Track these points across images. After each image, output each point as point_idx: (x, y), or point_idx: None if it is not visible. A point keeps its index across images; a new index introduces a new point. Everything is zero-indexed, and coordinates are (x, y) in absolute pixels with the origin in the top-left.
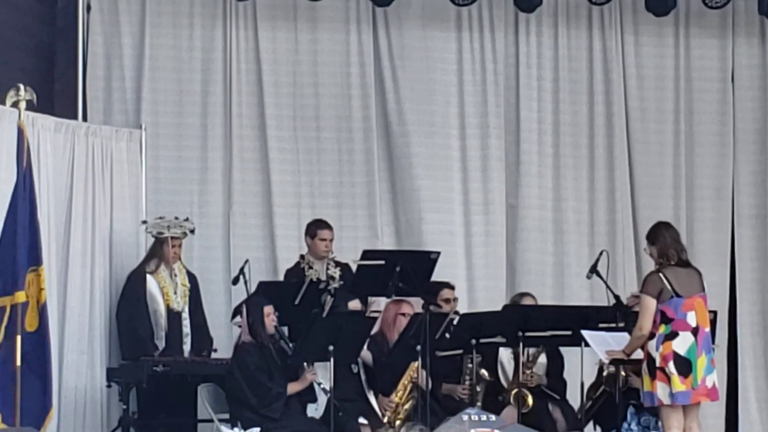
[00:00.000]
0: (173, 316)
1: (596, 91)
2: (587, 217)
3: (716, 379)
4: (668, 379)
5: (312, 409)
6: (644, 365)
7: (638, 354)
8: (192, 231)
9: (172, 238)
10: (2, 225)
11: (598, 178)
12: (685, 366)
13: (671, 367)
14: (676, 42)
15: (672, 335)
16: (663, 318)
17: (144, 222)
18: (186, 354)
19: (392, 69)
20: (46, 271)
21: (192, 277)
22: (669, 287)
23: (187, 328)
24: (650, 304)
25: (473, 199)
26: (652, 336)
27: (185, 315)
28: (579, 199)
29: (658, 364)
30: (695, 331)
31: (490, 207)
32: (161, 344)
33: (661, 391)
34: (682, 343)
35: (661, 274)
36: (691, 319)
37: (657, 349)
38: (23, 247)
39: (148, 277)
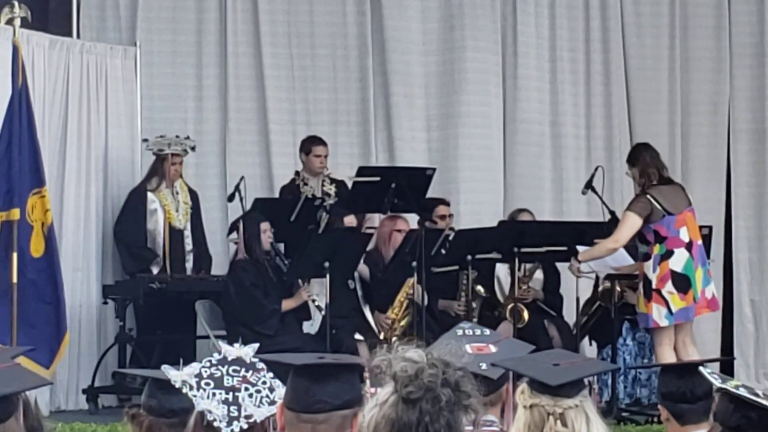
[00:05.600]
0: (175, 233)
1: (592, 6)
2: (584, 132)
3: (715, 289)
4: (665, 300)
5: (308, 325)
6: (640, 286)
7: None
8: (193, 149)
9: (172, 155)
10: None
11: (594, 94)
12: (683, 282)
13: (669, 286)
14: None
15: (668, 254)
16: (657, 237)
17: (145, 140)
18: (188, 272)
19: None
20: None
21: (194, 195)
22: (659, 206)
23: (189, 246)
24: (633, 222)
25: (470, 114)
26: (648, 257)
27: (187, 233)
28: (576, 114)
29: (654, 285)
30: (689, 246)
31: (488, 122)
32: (160, 261)
33: (656, 313)
34: (678, 260)
35: (648, 196)
36: (684, 234)
37: (654, 270)
38: (24, 168)
39: (149, 194)
